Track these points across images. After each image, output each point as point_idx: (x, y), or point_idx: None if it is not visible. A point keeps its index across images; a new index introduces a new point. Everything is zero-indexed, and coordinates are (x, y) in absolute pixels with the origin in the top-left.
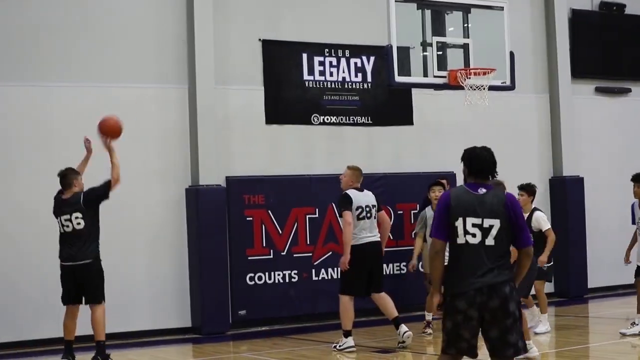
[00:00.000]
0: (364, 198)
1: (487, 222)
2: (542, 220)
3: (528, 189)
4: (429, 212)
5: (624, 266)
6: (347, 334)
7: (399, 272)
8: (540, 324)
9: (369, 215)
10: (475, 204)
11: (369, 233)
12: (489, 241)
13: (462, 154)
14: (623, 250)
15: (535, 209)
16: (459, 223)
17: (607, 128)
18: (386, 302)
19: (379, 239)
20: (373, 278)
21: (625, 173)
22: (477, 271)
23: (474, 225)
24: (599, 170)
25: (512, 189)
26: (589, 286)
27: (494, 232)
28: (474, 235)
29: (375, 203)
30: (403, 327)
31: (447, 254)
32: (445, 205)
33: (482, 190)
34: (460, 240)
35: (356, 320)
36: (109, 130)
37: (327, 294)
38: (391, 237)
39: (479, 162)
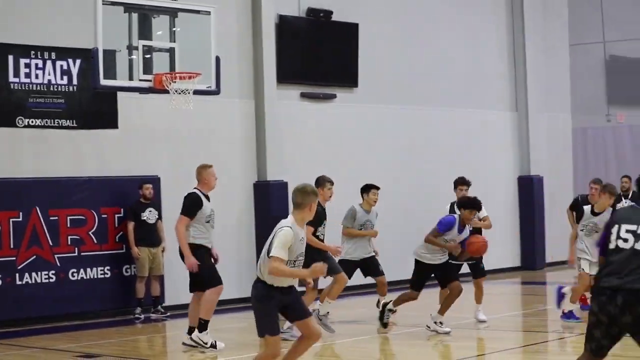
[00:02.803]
0: None
1: None
2: None
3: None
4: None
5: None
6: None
7: (102, 275)
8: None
9: None
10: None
11: None
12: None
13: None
14: None
15: None
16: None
17: (312, 133)
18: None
19: None
20: None
21: (335, 179)
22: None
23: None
24: (304, 175)
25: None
26: None
27: None
28: (625, 240)
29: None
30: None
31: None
32: None
33: None
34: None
35: None
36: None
37: (32, 298)
38: (94, 241)
39: None
